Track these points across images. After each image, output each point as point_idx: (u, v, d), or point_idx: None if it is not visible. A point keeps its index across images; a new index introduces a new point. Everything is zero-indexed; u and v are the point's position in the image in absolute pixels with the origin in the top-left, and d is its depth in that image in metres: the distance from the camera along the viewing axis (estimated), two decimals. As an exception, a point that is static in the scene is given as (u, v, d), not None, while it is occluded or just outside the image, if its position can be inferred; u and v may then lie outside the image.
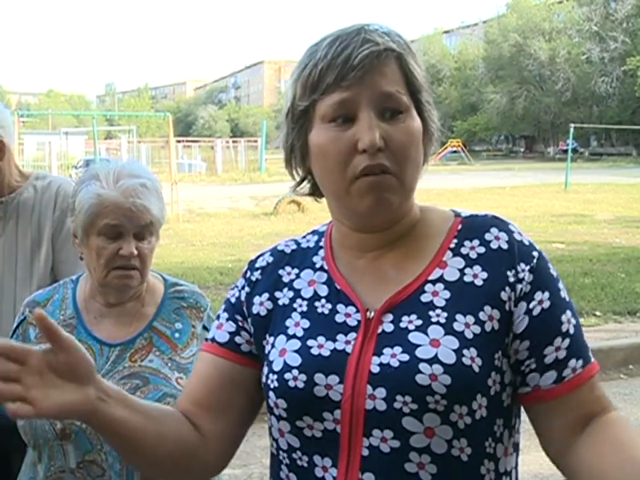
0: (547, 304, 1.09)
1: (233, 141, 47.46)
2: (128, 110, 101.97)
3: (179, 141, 43.54)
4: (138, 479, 1.68)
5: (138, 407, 1.11)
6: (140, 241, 1.72)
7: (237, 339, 1.21)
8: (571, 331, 1.10)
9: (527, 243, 1.13)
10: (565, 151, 38.66)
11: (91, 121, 20.64)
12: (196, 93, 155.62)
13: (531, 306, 1.08)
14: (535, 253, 1.12)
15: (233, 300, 1.25)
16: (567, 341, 1.09)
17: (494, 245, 1.12)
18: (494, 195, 21.16)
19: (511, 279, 1.09)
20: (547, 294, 1.10)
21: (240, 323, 1.22)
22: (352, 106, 1.06)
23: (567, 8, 57.54)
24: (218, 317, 1.26)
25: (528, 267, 1.10)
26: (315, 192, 1.19)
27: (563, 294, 1.12)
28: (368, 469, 1.05)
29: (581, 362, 1.09)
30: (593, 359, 1.12)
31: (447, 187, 21.58)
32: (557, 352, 1.08)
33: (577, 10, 55.83)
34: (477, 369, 1.03)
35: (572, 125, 27.38)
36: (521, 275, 1.09)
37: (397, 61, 1.08)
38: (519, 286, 1.08)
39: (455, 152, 47.75)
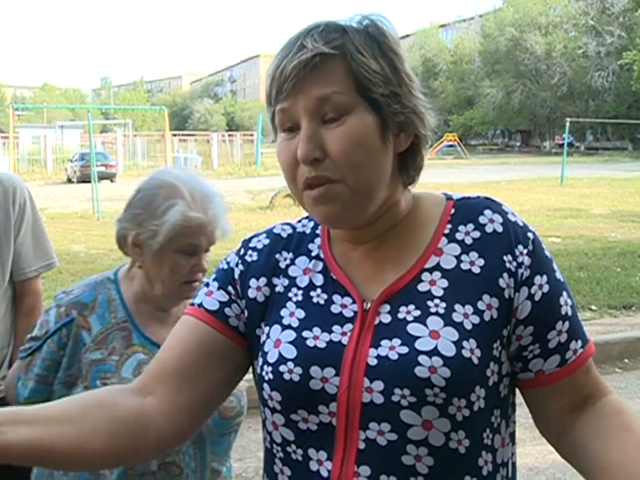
0: (546, 288, 1.10)
1: (229, 135, 47.43)
2: (123, 104, 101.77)
3: (174, 135, 43.47)
4: (209, 472, 1.73)
5: (45, 416, 1.04)
6: (206, 253, 1.80)
7: (227, 311, 1.18)
8: (569, 313, 1.11)
9: (521, 224, 1.13)
10: (561, 145, 38.70)
11: (86, 114, 20.60)
12: (192, 86, 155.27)
13: (532, 291, 1.09)
14: (530, 235, 1.12)
15: (224, 269, 1.23)
16: (567, 323, 1.10)
17: (489, 229, 1.11)
18: (490, 189, 21.16)
19: (509, 265, 1.08)
20: (545, 277, 1.10)
21: (232, 296, 1.19)
22: (293, 115, 1.06)
23: (564, 2, 57.57)
24: (207, 285, 1.23)
25: (526, 250, 1.10)
26: None
27: (558, 275, 1.13)
28: (364, 461, 1.04)
29: (580, 342, 1.11)
30: (588, 337, 1.14)
31: (443, 182, 21.55)
32: (559, 336, 1.09)
33: (573, 4, 55.86)
34: (476, 361, 1.02)
35: (568, 119, 27.34)
36: (520, 259, 1.09)
37: (335, 62, 1.04)
38: (520, 271, 1.08)
39: (450, 146, 47.73)
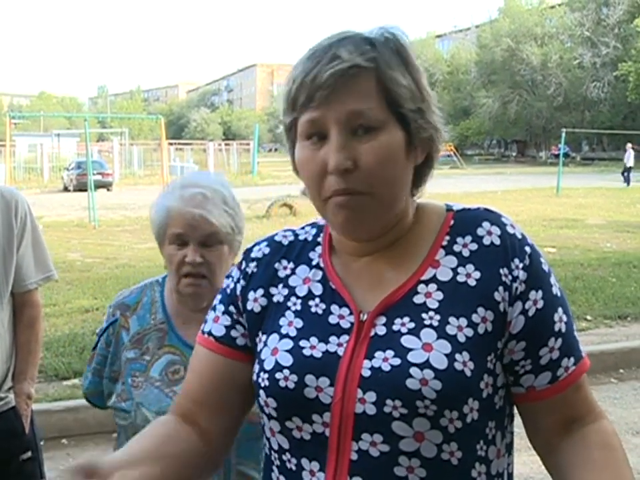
0: (540, 304, 1.09)
1: (225, 144, 47.48)
2: (120, 112, 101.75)
3: (171, 144, 43.51)
4: (234, 475, 1.76)
5: (141, 460, 1.08)
6: (207, 249, 1.78)
7: (233, 333, 1.21)
8: (563, 330, 1.10)
9: (519, 237, 1.12)
10: (557, 156, 38.79)
11: (82, 123, 20.58)
12: (188, 95, 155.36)
13: (526, 306, 1.08)
14: (528, 248, 1.11)
15: (228, 291, 1.24)
16: (560, 340, 1.09)
17: (486, 241, 1.10)
18: (486, 199, 21.17)
19: (505, 278, 1.08)
20: (540, 293, 1.09)
21: (235, 316, 1.21)
22: (322, 125, 1.05)
23: (559, 13, 57.76)
24: (214, 308, 1.25)
25: (522, 265, 1.09)
26: None
27: (555, 289, 1.12)
28: (356, 473, 1.04)
29: (572, 360, 1.10)
30: (583, 353, 1.13)
31: (439, 191, 21.55)
32: (550, 353, 1.09)
33: (569, 15, 56.03)
34: (468, 373, 1.02)
35: (564, 130, 27.48)
36: (515, 273, 1.08)
37: (372, 75, 1.05)
38: (514, 285, 1.08)
39: (447, 156, 47.78)
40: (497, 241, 1.10)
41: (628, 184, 28.36)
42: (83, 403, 5.09)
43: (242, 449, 1.72)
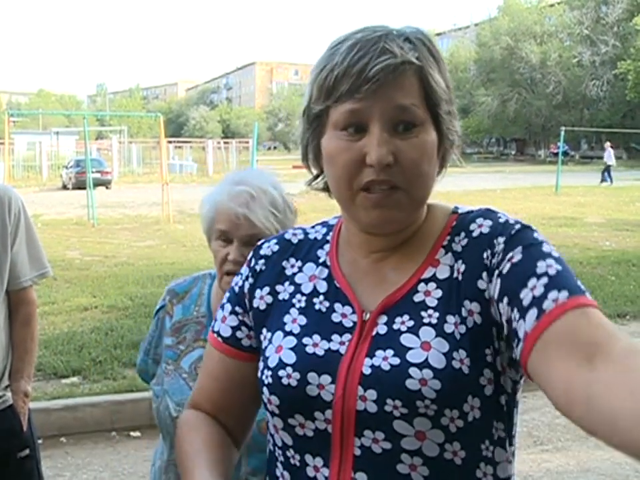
0: (517, 258, 1.01)
1: (225, 142, 47.45)
2: (119, 110, 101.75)
3: (170, 142, 43.47)
4: (245, 467, 1.76)
5: (223, 469, 1.13)
6: (251, 248, 1.73)
7: (238, 334, 1.22)
8: (551, 272, 0.97)
9: (511, 222, 1.07)
10: (556, 154, 38.76)
11: (81, 121, 20.57)
12: (187, 93, 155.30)
13: (502, 267, 1.02)
14: (518, 226, 1.06)
15: (236, 289, 1.25)
16: (544, 279, 0.97)
17: (475, 233, 1.09)
18: (485, 197, 21.19)
19: (486, 261, 1.05)
20: (518, 249, 1.02)
21: (240, 316, 1.22)
22: (364, 117, 1.04)
23: (559, 11, 57.86)
24: (222, 307, 1.26)
25: (504, 239, 1.04)
26: (329, 188, 1.17)
27: (547, 248, 1.03)
28: (361, 468, 1.04)
29: (565, 293, 0.94)
30: (587, 293, 0.96)
31: (438, 190, 21.36)
32: (532, 291, 0.96)
33: (568, 13, 56.11)
34: (466, 370, 1.01)
35: (563, 128, 27.49)
36: (496, 249, 1.04)
37: (415, 73, 1.05)
38: (494, 260, 1.03)
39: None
40: (486, 230, 1.08)
41: (610, 182, 28.55)
42: (81, 402, 5.11)
43: (253, 459, 1.72)
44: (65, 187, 31.83)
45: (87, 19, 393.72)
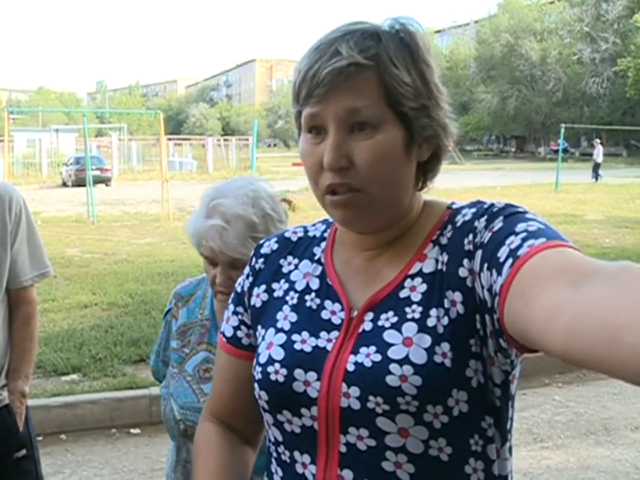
0: (498, 226, 0.98)
1: (224, 139, 47.45)
2: (119, 107, 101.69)
3: (169, 139, 43.43)
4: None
5: None
6: (236, 271, 1.71)
7: (239, 333, 1.24)
8: (531, 229, 0.93)
9: (497, 203, 1.04)
10: (556, 151, 38.78)
11: (81, 118, 20.55)
12: (187, 90, 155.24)
13: (482, 239, 0.99)
14: (502, 204, 1.03)
15: (238, 289, 1.27)
16: (523, 234, 0.92)
17: (459, 223, 1.08)
18: (484, 194, 21.14)
19: (468, 246, 1.02)
20: (500, 218, 0.99)
21: (240, 316, 1.24)
22: (321, 121, 1.05)
23: (559, 8, 57.80)
24: (227, 307, 1.28)
25: (485, 217, 1.02)
26: None
27: (531, 215, 0.99)
28: (347, 465, 1.05)
29: (542, 239, 0.89)
30: (571, 242, 0.90)
31: (438, 187, 21.36)
32: (509, 245, 0.92)
33: (568, 11, 56.07)
34: (449, 364, 0.99)
35: (563, 125, 27.50)
36: (478, 229, 1.01)
37: (369, 72, 1.03)
38: (476, 239, 1.01)
39: (445, 151, 47.68)
40: (468, 217, 1.06)
41: (596, 179, 28.60)
42: (81, 399, 5.12)
43: (257, 459, 1.73)
44: (64, 185, 31.84)
45: (87, 17, 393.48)
